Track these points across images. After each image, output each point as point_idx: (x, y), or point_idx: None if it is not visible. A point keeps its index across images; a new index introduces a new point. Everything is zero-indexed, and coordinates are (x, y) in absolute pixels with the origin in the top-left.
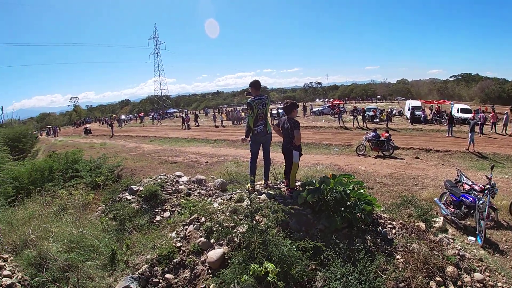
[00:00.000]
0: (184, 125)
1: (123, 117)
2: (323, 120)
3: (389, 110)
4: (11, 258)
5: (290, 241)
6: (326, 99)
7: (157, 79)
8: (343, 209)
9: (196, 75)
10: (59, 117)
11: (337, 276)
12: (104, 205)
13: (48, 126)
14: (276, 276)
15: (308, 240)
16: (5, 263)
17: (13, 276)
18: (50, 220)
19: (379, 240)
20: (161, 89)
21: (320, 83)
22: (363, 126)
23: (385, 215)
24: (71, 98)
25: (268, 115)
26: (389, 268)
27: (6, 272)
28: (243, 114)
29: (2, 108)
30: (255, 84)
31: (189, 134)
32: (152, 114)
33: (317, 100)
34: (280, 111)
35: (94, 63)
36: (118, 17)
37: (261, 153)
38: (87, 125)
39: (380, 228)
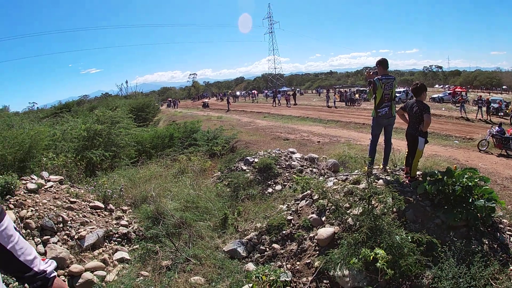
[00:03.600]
0: (274, 103)
1: (238, 93)
2: (443, 108)
3: None
4: (129, 210)
5: (405, 231)
6: (447, 86)
7: (271, 58)
8: (464, 205)
9: (309, 54)
10: (179, 91)
11: (448, 276)
12: (220, 173)
13: (169, 99)
14: (385, 263)
15: (424, 233)
16: (123, 214)
17: (129, 226)
18: (169, 181)
19: (495, 246)
20: (275, 68)
21: (440, 67)
22: (487, 119)
23: (505, 220)
24: (190, 74)
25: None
26: (501, 278)
27: (123, 222)
28: (357, 96)
29: (127, 82)
30: (383, 63)
31: (302, 112)
32: (266, 91)
33: (437, 86)
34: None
35: (212, 42)
36: None
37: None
38: (205, 99)
39: (498, 233)
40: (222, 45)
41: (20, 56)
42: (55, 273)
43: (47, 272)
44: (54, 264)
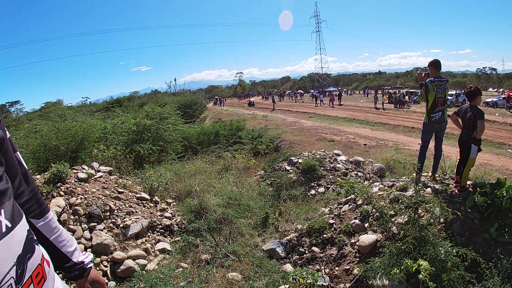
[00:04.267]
0: (317, 103)
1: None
2: (497, 114)
3: None
4: (174, 203)
5: (450, 244)
6: (501, 89)
7: (317, 57)
8: None
9: (357, 54)
10: (225, 90)
11: None
12: (263, 171)
13: (215, 97)
14: (427, 276)
15: (470, 248)
16: (168, 206)
17: (173, 219)
18: (213, 177)
19: None
20: (321, 67)
21: (495, 69)
22: None
23: None
24: (237, 73)
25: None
26: None
27: (167, 214)
28: (406, 97)
29: (175, 80)
30: (435, 64)
31: (349, 113)
32: (312, 91)
33: (490, 89)
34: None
35: (258, 42)
36: None
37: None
38: (251, 98)
39: None
40: (268, 44)
41: (74, 53)
42: (92, 264)
43: (85, 263)
44: (91, 256)
